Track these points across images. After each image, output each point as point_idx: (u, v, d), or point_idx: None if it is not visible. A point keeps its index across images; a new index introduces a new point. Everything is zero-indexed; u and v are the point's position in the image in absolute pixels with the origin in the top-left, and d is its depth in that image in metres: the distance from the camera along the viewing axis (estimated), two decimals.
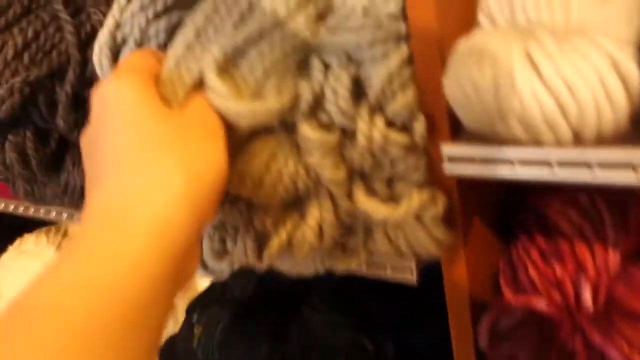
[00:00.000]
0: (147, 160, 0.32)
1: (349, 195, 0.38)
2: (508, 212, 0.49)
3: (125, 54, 0.41)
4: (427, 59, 0.37)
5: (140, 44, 0.40)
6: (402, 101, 0.37)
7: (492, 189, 0.45)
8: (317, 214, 0.39)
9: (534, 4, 0.34)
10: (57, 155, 0.58)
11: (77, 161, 0.59)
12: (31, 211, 0.71)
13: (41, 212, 0.70)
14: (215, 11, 0.37)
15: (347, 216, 0.40)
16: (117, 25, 0.40)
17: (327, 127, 0.37)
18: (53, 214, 0.69)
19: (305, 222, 0.39)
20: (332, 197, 0.39)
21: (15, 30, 0.53)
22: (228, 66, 0.35)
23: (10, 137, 0.54)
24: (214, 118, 0.35)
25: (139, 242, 0.29)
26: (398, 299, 0.58)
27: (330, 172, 0.37)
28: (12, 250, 0.96)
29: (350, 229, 0.42)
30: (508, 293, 0.46)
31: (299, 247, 0.39)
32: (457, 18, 0.39)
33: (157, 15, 0.39)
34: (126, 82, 0.34)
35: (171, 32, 0.40)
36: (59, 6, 0.54)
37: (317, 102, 0.37)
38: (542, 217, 0.46)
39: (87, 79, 0.54)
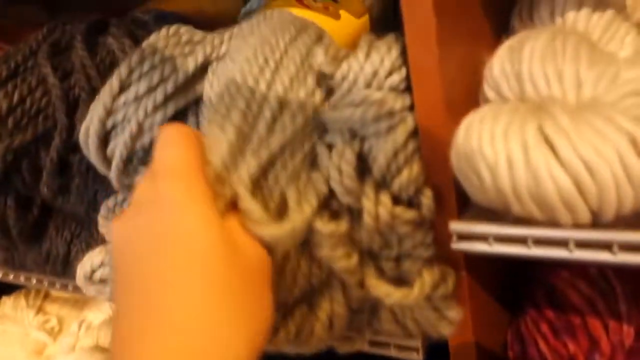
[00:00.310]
0: (211, 317, 0.27)
1: (361, 283, 0.36)
2: (515, 284, 0.47)
3: (124, 142, 0.39)
4: (433, 131, 0.36)
5: (136, 136, 0.38)
6: (408, 176, 0.35)
7: (499, 261, 0.44)
8: (328, 308, 0.36)
9: (544, 79, 0.34)
10: (39, 223, 0.55)
11: (61, 228, 0.56)
12: (10, 277, 0.68)
13: (21, 279, 0.66)
14: (248, 107, 0.34)
15: (357, 302, 0.37)
16: (108, 113, 0.39)
17: (336, 214, 0.35)
18: (33, 281, 0.65)
19: (316, 316, 0.36)
20: (343, 287, 0.36)
21: (0, 95, 0.51)
22: (260, 180, 0.33)
23: None
24: (262, 252, 0.31)
25: None
26: None
27: (342, 262, 0.35)
28: None
29: (356, 311, 0.40)
30: None
31: (307, 340, 0.36)
32: (463, 88, 0.38)
33: (156, 108, 0.38)
34: (194, 207, 0.29)
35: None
36: (47, 69, 0.52)
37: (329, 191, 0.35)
38: (551, 289, 0.44)
39: (73, 144, 0.52)
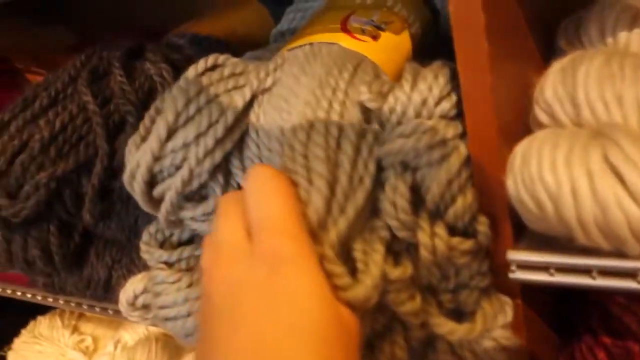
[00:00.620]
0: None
1: (423, 325, 0.35)
2: (569, 309, 0.46)
3: (175, 188, 0.39)
4: (485, 158, 0.35)
5: (187, 182, 0.38)
6: (462, 204, 0.34)
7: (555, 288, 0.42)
8: (388, 352, 0.35)
9: (602, 103, 0.33)
10: (80, 249, 0.55)
11: (102, 254, 0.56)
12: (49, 300, 0.68)
13: (60, 302, 0.67)
14: (327, 156, 0.33)
15: (418, 343, 0.36)
16: (156, 159, 0.39)
17: (397, 255, 0.34)
18: (72, 305, 0.66)
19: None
20: (404, 329, 0.36)
21: (42, 123, 0.51)
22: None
23: (33, 233, 0.52)
24: (354, 317, 0.30)
25: None
26: None
27: (408, 306, 0.34)
28: (25, 334, 0.92)
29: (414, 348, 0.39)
30: None
31: None
32: (514, 112, 0.38)
33: (207, 153, 0.38)
34: (308, 268, 0.28)
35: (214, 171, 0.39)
36: (87, 97, 0.52)
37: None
38: (608, 315, 0.43)
39: (113, 170, 0.52)
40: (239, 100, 0.39)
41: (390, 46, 0.43)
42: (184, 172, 0.38)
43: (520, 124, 0.39)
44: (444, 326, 0.34)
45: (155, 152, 0.38)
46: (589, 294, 0.45)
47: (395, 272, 0.33)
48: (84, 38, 1.03)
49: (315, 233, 0.30)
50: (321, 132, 0.35)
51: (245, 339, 0.27)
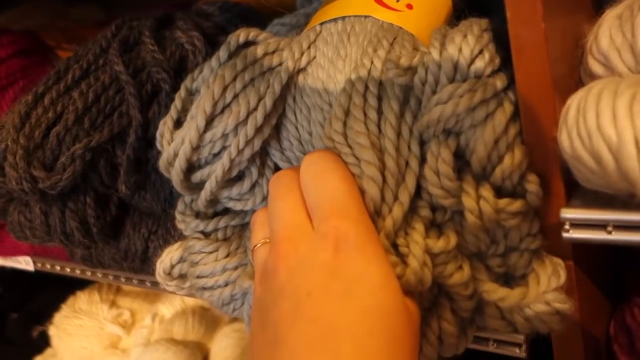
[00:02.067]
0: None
1: (472, 296, 0.34)
2: (619, 270, 0.44)
3: (216, 178, 0.39)
4: (538, 112, 0.33)
5: (228, 172, 0.38)
6: (510, 162, 0.32)
7: (606, 249, 0.41)
8: (436, 327, 0.34)
9: None
10: (116, 221, 0.55)
11: (138, 225, 0.56)
12: (88, 274, 0.69)
13: (98, 276, 0.67)
14: (372, 143, 0.33)
15: (468, 313, 0.35)
16: (195, 149, 0.38)
17: (440, 227, 0.33)
18: (110, 277, 0.66)
19: (424, 336, 0.34)
20: (452, 303, 0.34)
21: (75, 94, 0.51)
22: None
23: (70, 205, 0.52)
24: (415, 304, 0.30)
25: None
26: None
27: (456, 278, 0.32)
28: (65, 309, 0.93)
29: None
30: None
31: None
32: (567, 64, 0.35)
33: (247, 142, 0.37)
34: (377, 254, 0.28)
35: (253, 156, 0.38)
36: (119, 67, 0.52)
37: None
38: None
39: (148, 141, 0.52)
40: (276, 84, 0.38)
41: (428, 11, 0.41)
42: (224, 162, 0.38)
43: (572, 76, 0.37)
44: (496, 293, 0.33)
45: (194, 143, 0.38)
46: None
47: (438, 244, 0.32)
48: (113, 14, 1.03)
49: (373, 221, 0.30)
50: (359, 119, 0.34)
51: (311, 318, 0.26)
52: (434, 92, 0.34)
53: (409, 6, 0.41)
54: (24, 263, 0.76)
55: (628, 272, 0.44)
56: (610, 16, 0.35)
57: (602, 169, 0.29)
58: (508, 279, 0.35)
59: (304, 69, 0.40)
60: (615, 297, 0.45)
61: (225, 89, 0.38)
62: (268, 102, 0.38)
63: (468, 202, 0.32)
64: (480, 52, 0.35)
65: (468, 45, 0.35)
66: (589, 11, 0.39)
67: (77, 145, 0.49)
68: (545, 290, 0.33)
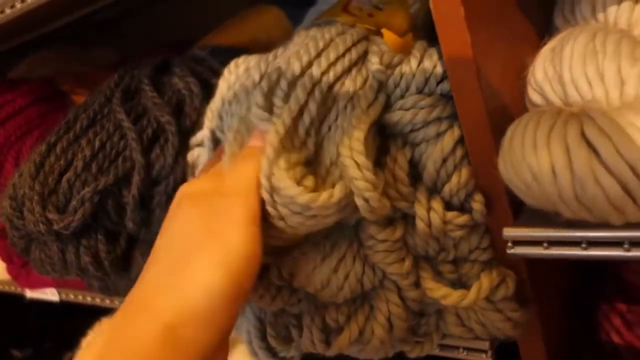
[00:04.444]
0: (183, 256, 0.34)
1: (416, 284, 0.38)
2: (582, 279, 0.47)
3: None
4: (478, 141, 0.37)
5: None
6: (457, 182, 0.37)
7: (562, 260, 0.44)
8: (384, 309, 0.38)
9: (586, 80, 0.34)
10: (126, 253, 0.60)
11: (146, 255, 0.61)
12: (107, 302, 0.74)
13: (116, 303, 0.72)
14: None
15: (417, 304, 0.39)
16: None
17: (391, 220, 0.37)
18: None
19: (375, 317, 0.38)
20: (398, 288, 0.38)
21: (83, 142, 0.57)
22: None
23: (83, 242, 0.57)
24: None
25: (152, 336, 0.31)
26: None
27: (395, 267, 0.37)
28: (91, 334, 0.99)
29: (421, 314, 0.42)
30: None
31: (369, 340, 0.39)
32: (508, 94, 0.39)
33: None
34: (247, 228, 0.34)
35: None
36: (121, 115, 0.57)
37: None
38: (622, 282, 0.44)
39: (151, 180, 0.57)
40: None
41: (383, 23, 0.45)
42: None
43: (519, 106, 0.40)
44: (438, 291, 0.37)
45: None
46: (605, 266, 0.46)
47: (383, 234, 0.36)
48: (126, 55, 1.10)
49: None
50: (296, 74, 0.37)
51: (177, 246, 0.36)
52: (402, 97, 0.38)
53: (370, 15, 0.46)
54: (50, 294, 0.82)
55: (593, 279, 0.47)
56: (546, 49, 0.39)
57: (531, 194, 0.33)
58: (463, 287, 0.38)
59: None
60: (584, 307, 0.48)
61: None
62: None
63: (419, 210, 0.36)
64: None
65: (442, 64, 0.39)
66: (533, 42, 0.43)
67: (87, 189, 0.54)
68: (493, 298, 0.37)
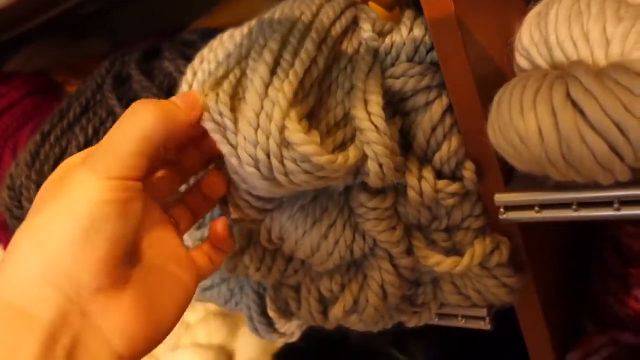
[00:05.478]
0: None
1: (408, 252, 0.38)
2: (578, 243, 0.48)
3: None
4: (467, 108, 0.37)
5: None
6: (448, 150, 0.37)
7: (556, 224, 0.44)
8: (378, 277, 0.39)
9: (571, 42, 0.34)
10: None
11: None
12: None
13: None
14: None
15: (410, 272, 0.39)
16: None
17: (383, 189, 0.37)
18: None
19: (369, 285, 0.39)
20: (390, 256, 0.39)
21: (77, 130, 0.57)
22: None
23: None
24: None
25: None
26: (477, 344, 0.57)
27: (386, 235, 0.37)
28: None
29: (418, 283, 0.42)
30: (591, 329, 0.44)
31: (365, 309, 0.39)
32: (496, 61, 0.39)
33: None
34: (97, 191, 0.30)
35: None
36: (113, 101, 0.57)
37: None
38: (617, 244, 0.44)
39: None
40: None
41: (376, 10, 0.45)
42: None
43: (508, 72, 0.40)
44: (431, 258, 0.37)
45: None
46: (597, 227, 0.47)
47: (372, 202, 0.36)
48: (117, 46, 1.10)
49: None
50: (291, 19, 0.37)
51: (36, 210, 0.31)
52: (392, 65, 0.38)
53: None
54: None
55: (588, 242, 0.47)
56: (532, 13, 0.39)
57: (520, 158, 0.33)
58: (458, 254, 0.39)
59: None
60: (581, 267, 0.48)
61: None
62: None
63: (411, 180, 0.36)
64: None
65: None
66: (520, 8, 0.43)
67: None
68: (487, 264, 0.37)
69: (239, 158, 0.33)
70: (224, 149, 0.33)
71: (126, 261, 0.30)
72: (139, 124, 0.32)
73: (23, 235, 0.29)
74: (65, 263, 0.28)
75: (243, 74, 0.35)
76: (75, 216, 0.29)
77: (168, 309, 0.32)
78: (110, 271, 0.29)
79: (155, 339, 0.31)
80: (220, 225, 0.36)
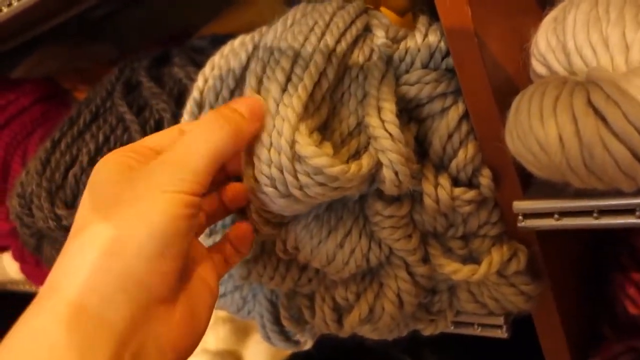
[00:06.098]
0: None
1: (424, 260, 0.38)
2: (597, 250, 0.47)
3: None
4: (484, 114, 0.37)
5: None
6: (464, 157, 0.36)
7: (574, 231, 0.43)
8: (393, 285, 0.38)
9: (590, 48, 0.33)
10: None
11: None
12: None
13: None
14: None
15: (427, 280, 0.39)
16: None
17: (397, 196, 0.37)
18: None
19: (384, 294, 0.38)
20: (406, 264, 0.38)
21: (87, 137, 0.57)
22: None
23: None
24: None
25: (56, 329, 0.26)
26: (492, 351, 0.56)
27: (402, 243, 0.36)
28: None
29: (434, 291, 0.42)
30: (609, 335, 0.44)
31: (379, 318, 0.39)
32: (511, 68, 0.39)
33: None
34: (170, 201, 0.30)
35: None
36: (123, 108, 0.57)
37: None
38: (635, 251, 0.44)
39: None
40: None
41: (383, 1, 0.45)
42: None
43: (523, 78, 0.40)
44: (448, 266, 0.37)
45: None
46: (616, 233, 0.46)
47: (388, 209, 0.35)
48: (125, 50, 1.10)
49: None
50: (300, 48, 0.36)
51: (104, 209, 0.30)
52: (407, 72, 0.38)
53: None
54: None
55: (606, 249, 0.47)
56: (548, 19, 0.39)
57: (539, 165, 0.33)
58: (474, 262, 0.38)
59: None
60: (599, 276, 0.48)
61: None
62: None
63: (427, 187, 0.36)
64: None
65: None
66: (534, 13, 0.43)
67: None
68: (505, 272, 0.37)
69: (257, 181, 0.33)
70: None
71: (183, 274, 0.31)
72: (212, 140, 0.32)
73: (94, 238, 0.29)
74: (140, 272, 0.29)
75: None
76: (151, 229, 0.29)
77: (202, 315, 0.32)
78: (174, 283, 0.30)
79: (193, 347, 0.32)
80: (245, 225, 0.37)
